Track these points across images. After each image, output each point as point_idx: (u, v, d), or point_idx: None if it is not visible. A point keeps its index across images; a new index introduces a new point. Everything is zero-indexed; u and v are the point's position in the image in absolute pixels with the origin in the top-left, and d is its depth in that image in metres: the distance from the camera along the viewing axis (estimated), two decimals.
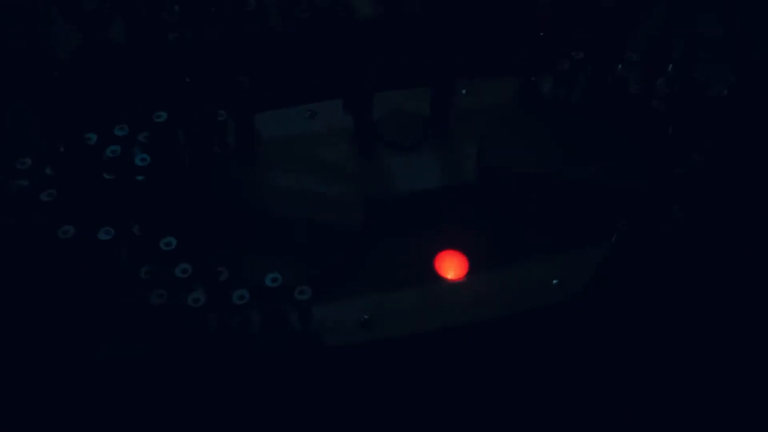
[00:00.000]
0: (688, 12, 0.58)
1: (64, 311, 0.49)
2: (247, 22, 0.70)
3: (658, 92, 0.61)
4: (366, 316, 0.50)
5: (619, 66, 0.62)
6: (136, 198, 0.52)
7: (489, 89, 0.65)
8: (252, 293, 0.47)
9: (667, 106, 0.60)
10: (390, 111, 0.62)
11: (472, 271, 0.53)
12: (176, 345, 0.47)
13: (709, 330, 0.53)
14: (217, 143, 0.58)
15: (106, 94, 0.59)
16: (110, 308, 0.48)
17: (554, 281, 0.52)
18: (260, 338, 0.48)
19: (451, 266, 0.54)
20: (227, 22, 0.68)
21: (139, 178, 0.53)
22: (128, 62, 0.62)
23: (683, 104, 0.60)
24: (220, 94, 0.57)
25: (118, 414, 0.49)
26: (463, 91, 0.64)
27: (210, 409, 0.50)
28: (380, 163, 0.59)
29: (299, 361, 0.49)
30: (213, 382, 0.48)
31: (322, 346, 0.49)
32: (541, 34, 0.60)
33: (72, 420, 0.49)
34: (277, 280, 0.47)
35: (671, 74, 0.62)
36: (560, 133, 0.61)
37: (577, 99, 0.63)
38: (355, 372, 0.50)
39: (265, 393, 0.49)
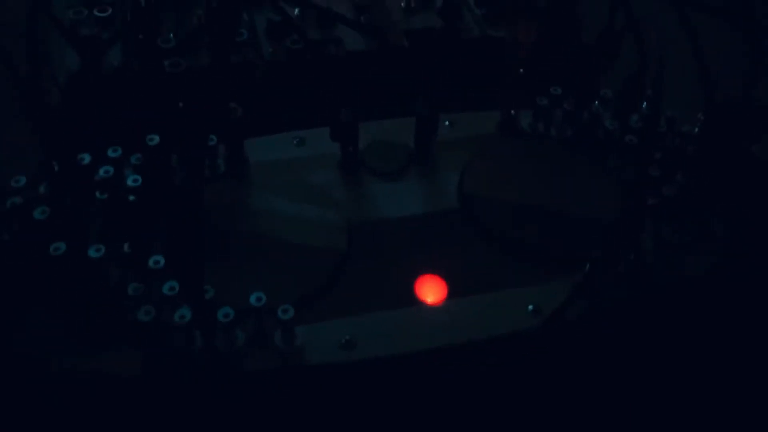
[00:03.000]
0: (661, 51, 0.61)
1: (55, 326, 0.50)
2: (239, 51, 0.72)
3: (632, 127, 0.64)
4: (347, 337, 0.51)
5: (595, 102, 0.65)
6: (127, 217, 0.54)
7: (471, 121, 0.67)
8: (237, 311, 0.48)
9: (641, 141, 0.62)
10: (375, 140, 0.65)
11: (451, 295, 0.55)
12: (164, 361, 0.48)
13: (685, 358, 0.55)
14: (208, 166, 0.60)
15: (102, 117, 0.61)
16: (100, 324, 0.49)
17: (530, 307, 0.54)
18: (245, 356, 0.49)
19: (431, 291, 0.55)
20: (220, 50, 0.71)
21: (131, 198, 0.54)
22: (124, 87, 0.64)
23: (656, 139, 0.63)
24: (212, 119, 0.59)
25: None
26: (446, 122, 0.67)
27: (196, 426, 0.51)
28: (364, 190, 0.61)
29: (282, 378, 0.50)
30: (200, 397, 0.49)
31: (305, 364, 0.50)
32: (521, 71, 0.62)
33: None
34: (261, 300, 0.48)
35: (644, 111, 0.65)
36: (538, 164, 0.63)
37: (555, 132, 0.66)
38: (335, 390, 0.51)
39: (250, 407, 0.50)
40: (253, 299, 0.48)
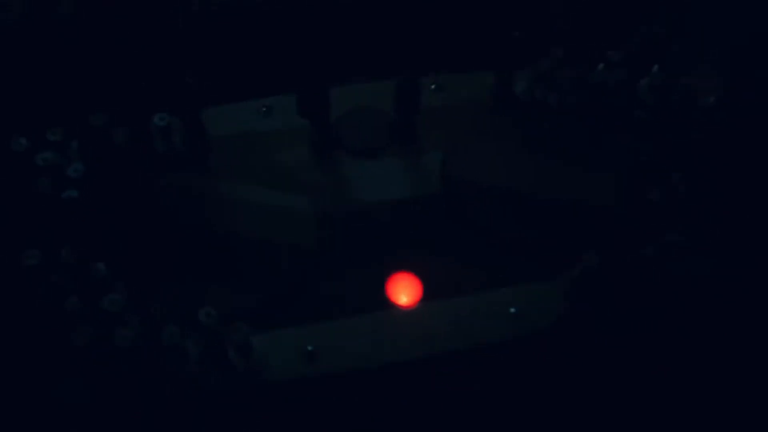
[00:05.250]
0: (679, 11, 0.52)
1: None
2: None
3: (640, 96, 0.56)
4: (310, 347, 0.47)
5: (600, 65, 0.57)
6: (67, 215, 0.48)
7: (461, 85, 0.60)
8: (184, 329, 0.44)
9: (650, 114, 0.55)
10: (351, 109, 0.58)
11: (426, 297, 0.50)
12: (105, 387, 0.44)
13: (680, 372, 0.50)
14: (161, 147, 0.54)
15: (42, 88, 0.54)
16: (31, 344, 0.45)
17: (511, 309, 0.49)
18: (197, 376, 0.45)
19: (404, 291, 0.50)
20: None
21: (72, 193, 0.49)
22: (71, 51, 0.57)
23: (667, 112, 0.56)
24: (164, 92, 0.53)
25: None
26: (432, 86, 0.60)
27: None
28: (336, 171, 0.55)
29: (239, 399, 0.46)
30: (149, 425, 0.46)
31: (263, 381, 0.46)
32: (517, 34, 0.54)
33: None
34: (211, 315, 0.44)
35: (656, 76, 0.57)
36: (535, 141, 0.57)
37: (555, 100, 0.58)
38: (298, 409, 0.47)
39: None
40: (202, 315, 0.44)
